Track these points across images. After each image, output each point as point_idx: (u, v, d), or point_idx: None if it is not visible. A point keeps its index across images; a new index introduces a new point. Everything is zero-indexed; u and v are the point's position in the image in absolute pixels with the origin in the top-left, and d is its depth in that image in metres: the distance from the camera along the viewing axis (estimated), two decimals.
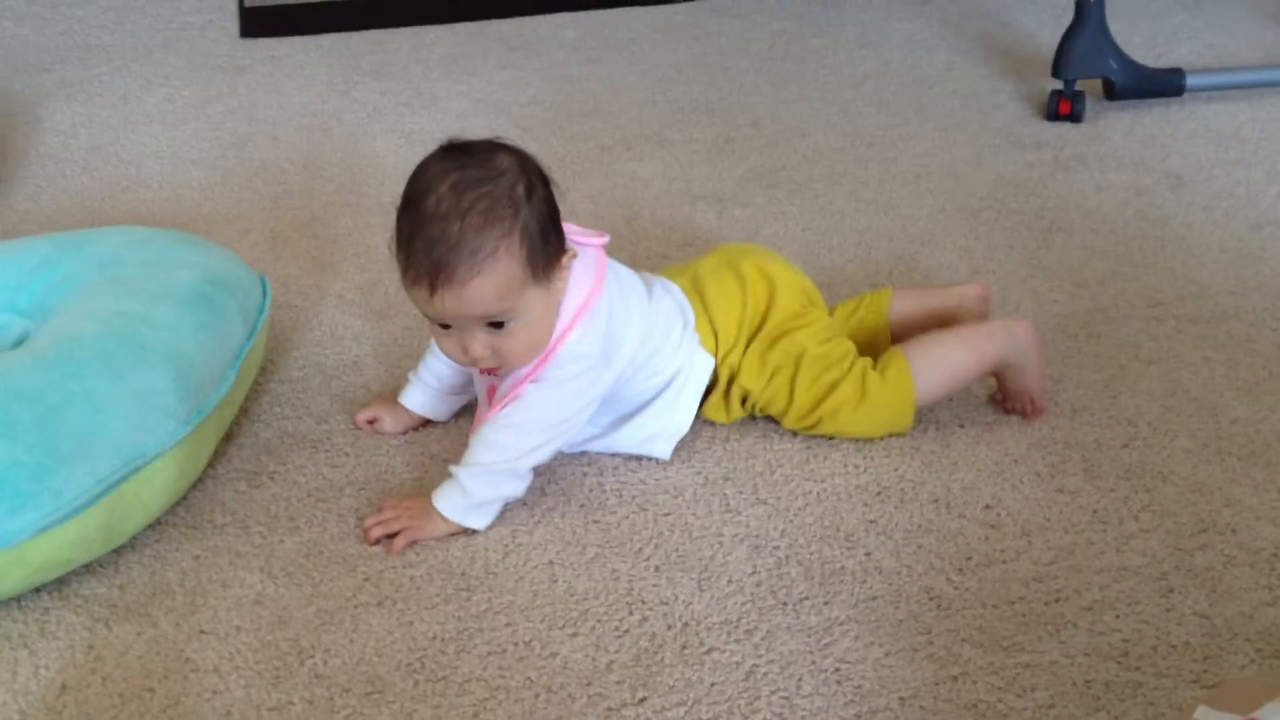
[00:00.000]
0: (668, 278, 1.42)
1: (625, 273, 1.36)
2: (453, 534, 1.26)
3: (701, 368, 1.38)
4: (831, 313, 1.48)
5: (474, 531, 1.26)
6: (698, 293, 1.40)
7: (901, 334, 1.46)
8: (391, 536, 1.25)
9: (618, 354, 1.30)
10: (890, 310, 1.47)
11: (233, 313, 1.38)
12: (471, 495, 1.25)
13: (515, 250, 1.17)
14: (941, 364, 1.37)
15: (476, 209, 1.16)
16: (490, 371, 1.31)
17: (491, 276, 1.17)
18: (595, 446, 1.37)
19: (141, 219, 1.88)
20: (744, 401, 1.39)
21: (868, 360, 1.38)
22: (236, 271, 1.44)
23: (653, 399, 1.36)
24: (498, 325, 1.21)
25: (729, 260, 1.43)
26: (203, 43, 2.59)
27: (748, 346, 1.39)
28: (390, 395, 1.43)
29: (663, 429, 1.35)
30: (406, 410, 1.41)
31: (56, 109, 2.28)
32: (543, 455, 1.27)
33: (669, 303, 1.38)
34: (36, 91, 2.36)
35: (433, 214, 1.17)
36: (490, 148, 1.22)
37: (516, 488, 1.27)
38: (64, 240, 1.45)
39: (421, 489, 1.30)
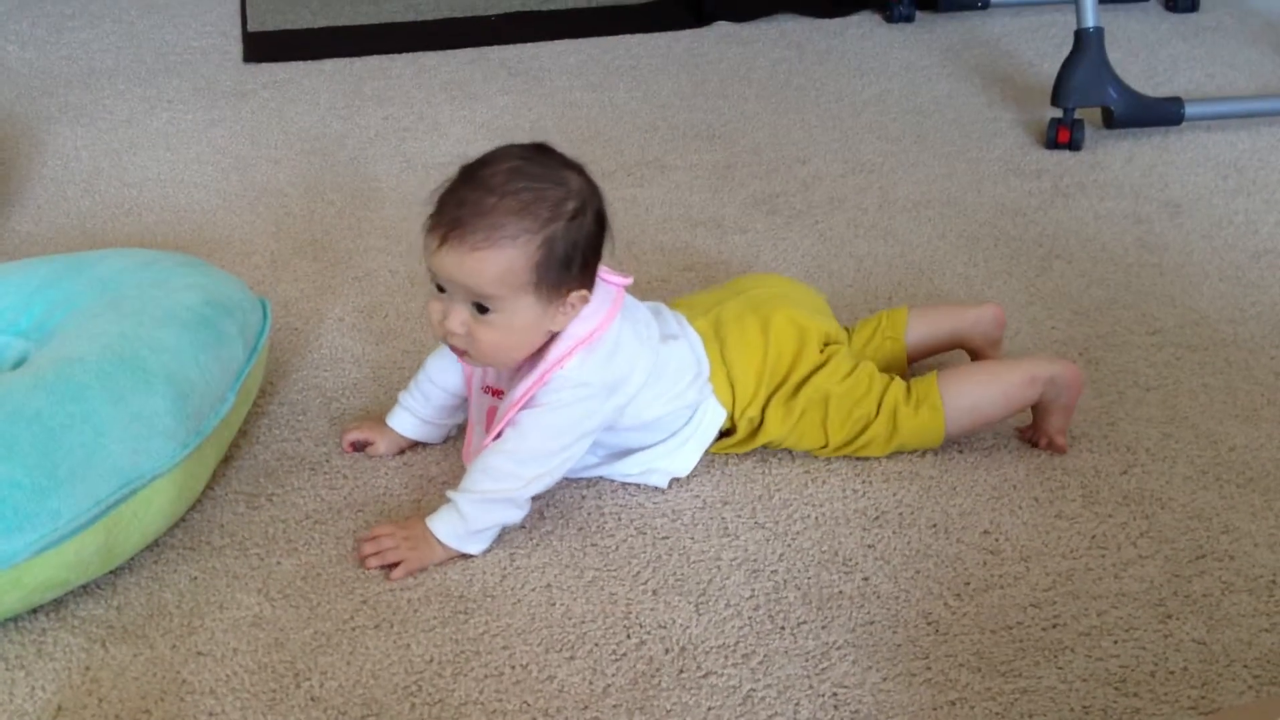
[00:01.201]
0: (688, 313, 1.40)
1: (643, 314, 1.34)
2: (450, 559, 1.26)
3: (711, 421, 1.36)
4: (849, 334, 1.48)
5: (470, 556, 1.26)
6: (718, 340, 1.37)
7: (917, 356, 1.49)
8: (389, 566, 1.25)
9: (621, 388, 1.29)
10: (907, 334, 1.48)
11: (233, 335, 1.38)
12: (470, 522, 1.24)
13: (530, 249, 1.19)
14: (976, 410, 1.37)
15: (520, 196, 1.19)
16: (495, 392, 1.31)
17: (497, 257, 1.18)
18: (592, 474, 1.36)
19: (143, 241, 1.89)
20: (765, 443, 1.39)
21: (898, 389, 1.37)
22: (237, 294, 1.44)
23: (655, 444, 1.35)
24: (483, 309, 1.22)
25: (755, 305, 1.39)
26: (206, 67, 2.61)
27: (769, 399, 1.36)
28: (379, 418, 1.43)
29: (662, 468, 1.35)
30: (396, 433, 1.41)
31: (60, 132, 2.29)
32: (542, 485, 1.27)
33: (683, 352, 1.35)
34: (40, 115, 2.37)
35: (481, 181, 1.21)
36: (569, 165, 1.24)
37: (515, 515, 1.27)
38: (65, 262, 1.46)
39: (420, 510, 1.30)
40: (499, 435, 1.26)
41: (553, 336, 1.26)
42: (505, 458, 1.25)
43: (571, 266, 1.22)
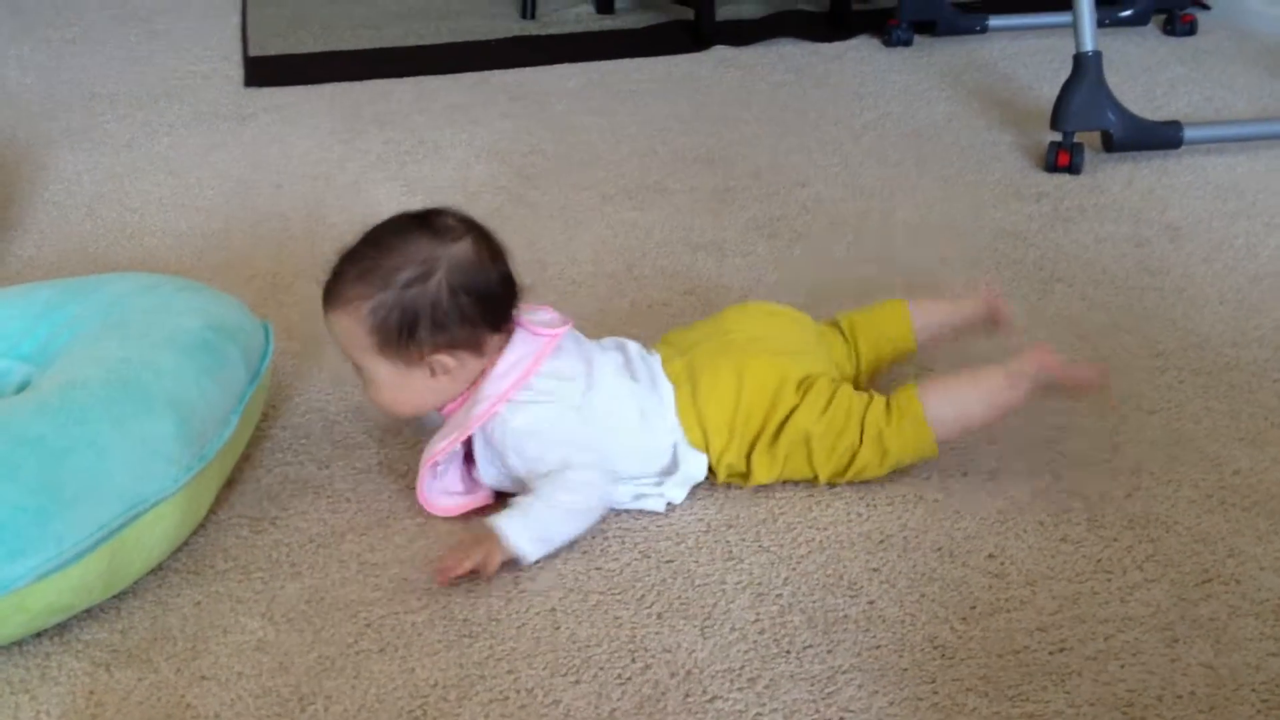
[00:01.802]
0: (666, 353, 1.40)
1: (595, 365, 1.36)
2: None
3: (693, 464, 1.36)
4: (845, 333, 1.49)
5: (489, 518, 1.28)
6: (690, 383, 1.36)
7: (930, 343, 1.53)
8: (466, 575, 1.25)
9: (578, 392, 1.32)
10: (915, 329, 1.50)
11: (236, 359, 1.38)
12: (544, 535, 1.27)
13: (360, 317, 1.28)
14: (962, 417, 1.37)
15: (361, 264, 1.30)
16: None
17: (337, 321, 1.31)
18: None
19: (145, 265, 1.89)
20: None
21: (877, 411, 1.35)
22: (240, 318, 1.44)
23: (640, 476, 1.36)
24: (357, 367, 1.33)
25: (731, 349, 1.38)
26: (207, 91, 2.61)
27: (752, 448, 1.35)
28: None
29: (655, 493, 1.35)
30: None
31: (61, 156, 2.30)
32: (594, 484, 1.29)
33: (638, 393, 1.36)
34: (41, 139, 2.38)
35: (348, 250, 1.33)
36: (433, 231, 1.30)
37: (583, 525, 1.30)
38: (68, 286, 1.46)
39: (424, 532, 1.30)
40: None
41: (471, 391, 1.32)
42: (548, 493, 1.28)
43: (415, 332, 1.28)
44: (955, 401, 1.37)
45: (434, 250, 1.29)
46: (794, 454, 1.35)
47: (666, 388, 1.36)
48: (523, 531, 1.25)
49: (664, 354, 1.40)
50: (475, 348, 1.31)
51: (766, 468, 1.35)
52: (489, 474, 1.33)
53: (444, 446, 1.31)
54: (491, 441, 1.31)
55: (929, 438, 1.35)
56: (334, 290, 1.31)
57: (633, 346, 1.41)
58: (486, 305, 1.30)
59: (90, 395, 1.23)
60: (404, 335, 1.28)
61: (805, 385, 1.36)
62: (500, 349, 1.32)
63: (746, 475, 1.37)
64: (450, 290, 1.28)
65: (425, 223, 1.31)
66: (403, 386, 1.32)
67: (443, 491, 1.34)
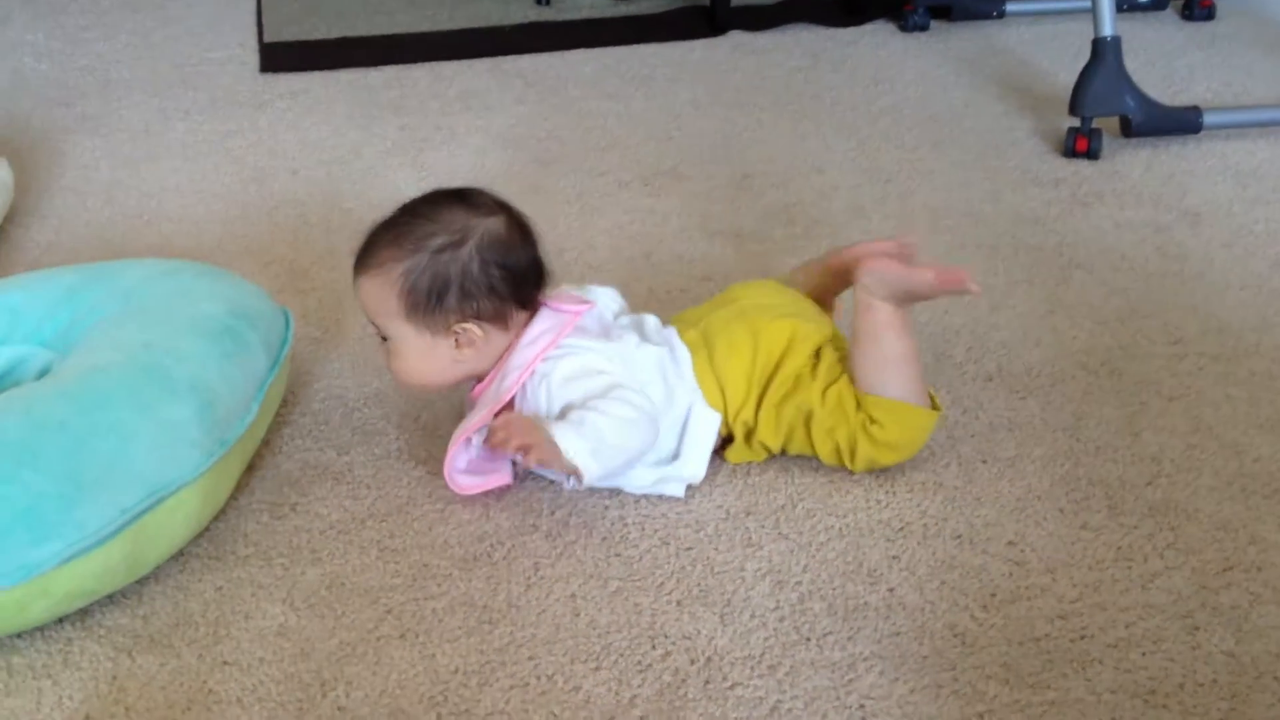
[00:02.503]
0: (679, 327, 1.41)
1: (607, 328, 1.39)
2: (561, 469, 1.26)
3: (704, 423, 1.36)
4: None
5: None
6: (707, 348, 1.38)
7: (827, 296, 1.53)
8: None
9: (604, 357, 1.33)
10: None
11: (256, 345, 1.38)
12: (594, 440, 1.25)
13: (392, 280, 1.30)
14: (901, 375, 1.34)
15: (396, 229, 1.32)
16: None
17: (369, 285, 1.32)
18: (606, 483, 1.36)
19: (162, 251, 1.89)
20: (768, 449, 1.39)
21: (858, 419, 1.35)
22: (260, 304, 1.44)
23: (659, 464, 1.36)
24: (384, 336, 1.35)
25: (744, 313, 1.40)
26: (223, 78, 2.61)
27: (760, 400, 1.36)
28: None
29: (673, 475, 1.35)
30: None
31: (78, 143, 2.30)
32: (634, 396, 1.29)
33: (660, 355, 1.36)
34: (58, 126, 2.38)
35: (385, 219, 1.34)
36: (468, 204, 1.33)
37: (637, 439, 1.28)
38: (88, 272, 1.46)
39: (444, 518, 1.30)
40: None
41: (499, 367, 1.33)
42: (598, 405, 1.27)
43: (444, 299, 1.29)
44: (875, 367, 1.34)
45: (468, 220, 1.31)
46: (796, 428, 1.36)
47: (683, 350, 1.38)
48: (578, 441, 1.24)
49: (678, 328, 1.41)
50: (501, 322, 1.32)
51: (771, 428, 1.36)
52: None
53: (478, 420, 1.31)
54: (535, 401, 1.31)
55: (905, 411, 1.33)
56: (366, 254, 1.32)
57: (650, 320, 1.42)
58: (515, 281, 1.32)
59: (112, 380, 1.23)
60: (433, 300, 1.29)
61: (817, 354, 1.38)
62: (524, 325, 1.34)
63: (751, 434, 1.37)
64: (481, 260, 1.30)
65: (461, 196, 1.34)
66: (426, 355, 1.33)
67: (464, 470, 1.34)
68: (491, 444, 1.28)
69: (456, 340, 1.32)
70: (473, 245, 1.30)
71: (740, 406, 1.37)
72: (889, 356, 1.35)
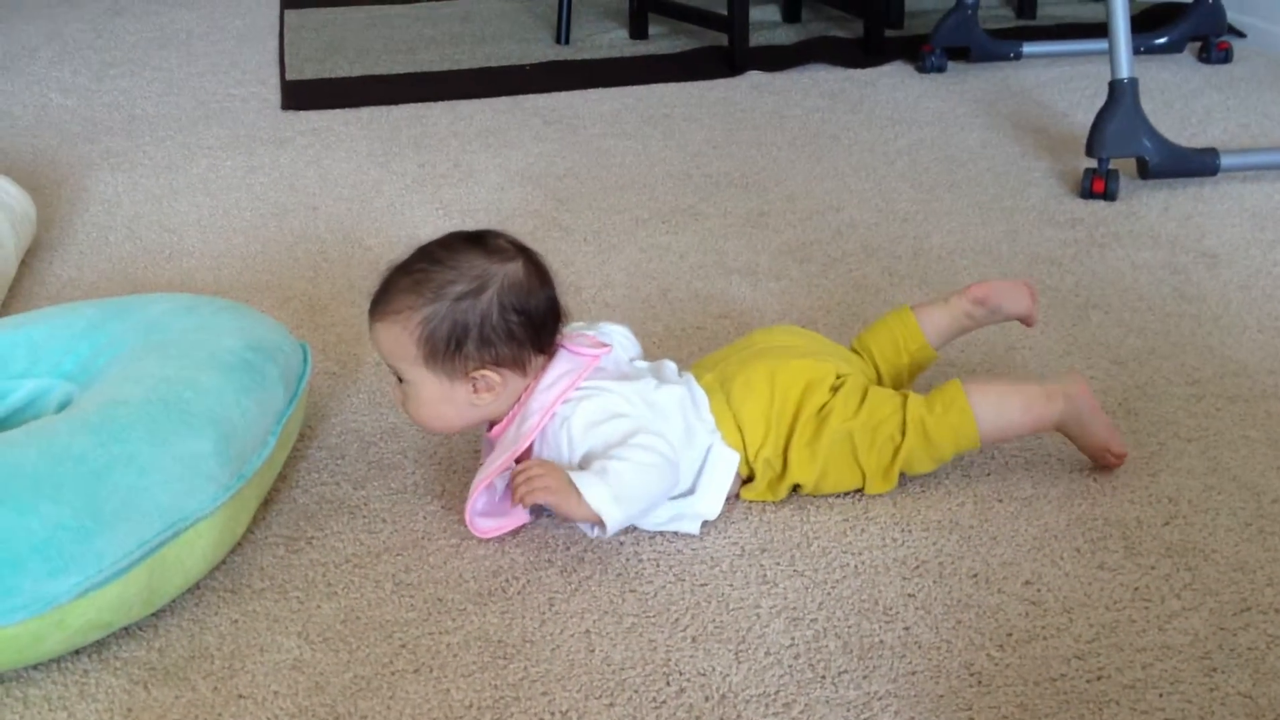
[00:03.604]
0: (696, 372, 1.42)
1: (626, 371, 1.39)
2: (588, 520, 1.27)
3: (723, 463, 1.36)
4: (860, 352, 1.51)
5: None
6: (724, 391, 1.38)
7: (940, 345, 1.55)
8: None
9: (623, 398, 1.33)
10: (926, 335, 1.52)
11: (274, 379, 1.39)
12: (616, 489, 1.26)
13: (410, 327, 1.29)
14: (1001, 415, 1.38)
15: (414, 276, 1.31)
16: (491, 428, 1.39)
17: (386, 330, 1.31)
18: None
19: (184, 286, 1.90)
20: (796, 487, 1.39)
21: (917, 402, 1.37)
22: (278, 339, 1.45)
23: (677, 497, 1.35)
24: (400, 379, 1.34)
25: (762, 355, 1.42)
26: (245, 115, 2.64)
27: (788, 442, 1.36)
28: None
29: (689, 512, 1.35)
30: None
31: (101, 178, 2.32)
32: (653, 439, 1.29)
33: (680, 393, 1.37)
34: (82, 161, 2.41)
35: (401, 263, 1.34)
36: (486, 250, 1.32)
37: (658, 485, 1.29)
38: (109, 306, 1.47)
39: (459, 554, 1.31)
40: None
41: (517, 410, 1.34)
42: (619, 453, 1.28)
43: (463, 346, 1.29)
44: (997, 399, 1.38)
45: (488, 267, 1.31)
46: (837, 451, 1.36)
47: (701, 394, 1.38)
48: (602, 489, 1.25)
49: (695, 374, 1.42)
50: (519, 367, 1.32)
51: (806, 463, 1.36)
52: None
53: (499, 466, 1.32)
54: (556, 444, 1.32)
55: (972, 425, 1.36)
56: (384, 300, 1.31)
57: (669, 365, 1.43)
58: (534, 326, 1.32)
59: (131, 414, 1.24)
60: (451, 348, 1.29)
61: (837, 384, 1.38)
62: (543, 369, 1.34)
63: (783, 473, 1.37)
64: (501, 307, 1.30)
65: (479, 241, 1.33)
66: (444, 401, 1.33)
67: (482, 513, 1.35)
68: (514, 498, 1.27)
69: (474, 386, 1.32)
70: (493, 292, 1.30)
71: (760, 445, 1.37)
72: (1008, 405, 1.39)
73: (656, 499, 1.31)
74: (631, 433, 1.29)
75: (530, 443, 1.32)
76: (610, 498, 1.25)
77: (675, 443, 1.32)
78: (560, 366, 1.34)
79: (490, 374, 1.31)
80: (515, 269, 1.32)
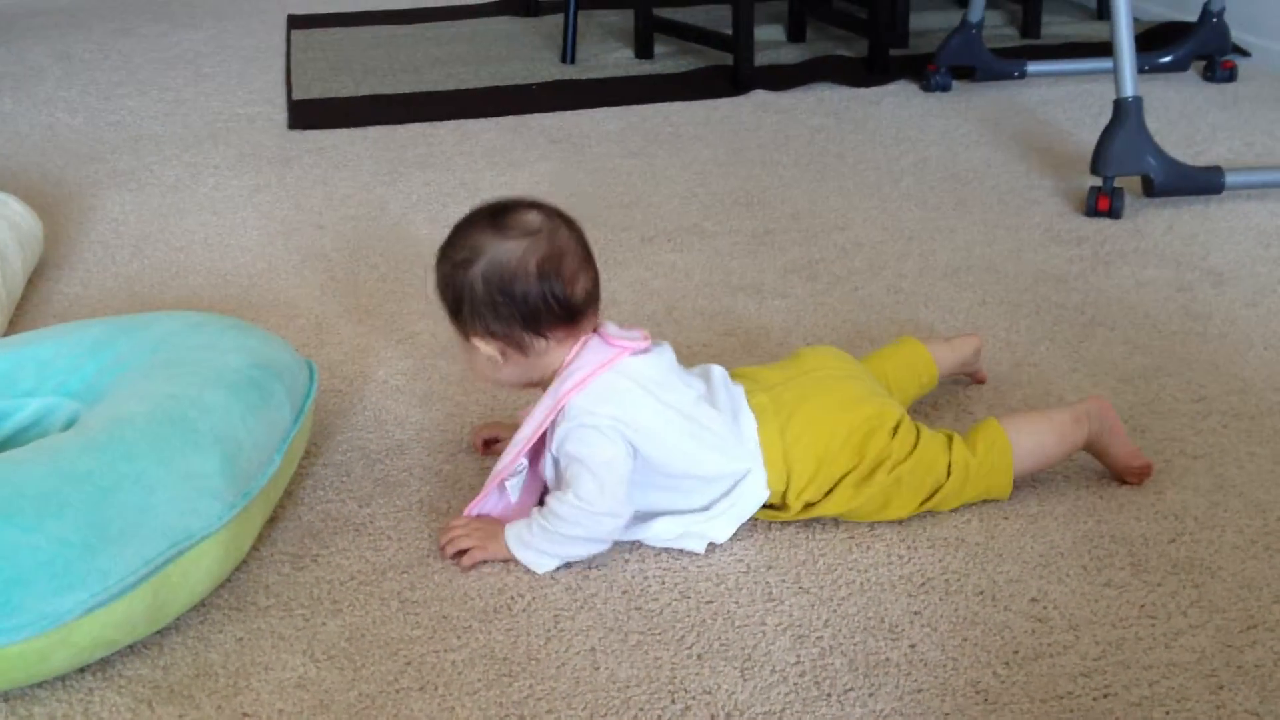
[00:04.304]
0: (749, 386, 1.39)
1: (662, 377, 1.35)
2: (514, 561, 1.33)
3: (751, 497, 1.35)
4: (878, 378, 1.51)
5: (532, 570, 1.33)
6: (779, 417, 1.36)
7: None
8: (462, 553, 1.33)
9: (631, 426, 1.30)
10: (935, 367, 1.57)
11: (280, 397, 1.39)
12: (536, 540, 1.31)
13: (437, 282, 1.36)
14: (1038, 449, 1.41)
15: (448, 237, 1.36)
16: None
17: (436, 281, 1.36)
18: (627, 536, 1.36)
19: (190, 304, 1.91)
20: (809, 505, 1.38)
21: (961, 446, 1.38)
22: (284, 357, 1.45)
23: (689, 511, 1.35)
24: None
25: (820, 384, 1.40)
26: (252, 134, 2.65)
27: (837, 484, 1.35)
28: (509, 420, 1.53)
29: (697, 533, 1.35)
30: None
31: (108, 197, 2.33)
32: (611, 520, 1.30)
33: (720, 424, 1.35)
34: (88, 180, 2.42)
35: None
36: (496, 226, 1.32)
37: (587, 550, 1.32)
38: (116, 324, 1.47)
39: (465, 572, 1.30)
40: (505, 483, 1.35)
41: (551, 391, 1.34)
42: (573, 506, 1.29)
43: (460, 312, 1.33)
44: (1034, 435, 1.41)
45: (484, 242, 1.31)
46: (879, 491, 1.36)
47: (748, 418, 1.36)
48: (515, 539, 1.32)
49: (746, 386, 1.39)
50: (517, 345, 1.33)
51: (848, 500, 1.35)
52: (550, 477, 1.36)
53: (509, 462, 1.34)
54: (552, 440, 1.33)
55: (1009, 475, 1.39)
56: (437, 255, 1.37)
57: (717, 373, 1.41)
58: (522, 311, 1.30)
59: (137, 432, 1.24)
60: (455, 311, 1.34)
61: (894, 428, 1.38)
62: (574, 356, 1.33)
63: (818, 504, 1.37)
64: (485, 284, 1.31)
65: (495, 215, 1.33)
66: (467, 355, 1.38)
67: (498, 516, 1.36)
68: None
69: (478, 347, 1.34)
70: (479, 269, 1.30)
71: (805, 486, 1.35)
72: (1044, 439, 1.41)
73: (580, 556, 1.33)
74: (582, 477, 1.29)
75: (542, 433, 1.33)
76: (522, 545, 1.32)
77: (680, 453, 1.32)
78: (588, 357, 1.33)
79: (484, 345, 1.33)
80: (510, 249, 1.30)
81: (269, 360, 1.42)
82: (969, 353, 1.62)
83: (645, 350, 1.35)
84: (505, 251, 1.30)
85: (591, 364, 1.31)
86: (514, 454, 1.33)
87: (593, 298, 1.34)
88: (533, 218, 1.32)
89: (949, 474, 1.37)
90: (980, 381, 1.66)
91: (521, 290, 1.30)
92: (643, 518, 1.35)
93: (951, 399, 1.63)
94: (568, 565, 1.33)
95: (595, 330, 1.35)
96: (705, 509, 1.35)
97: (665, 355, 1.37)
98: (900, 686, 1.18)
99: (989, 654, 1.21)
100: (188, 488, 1.23)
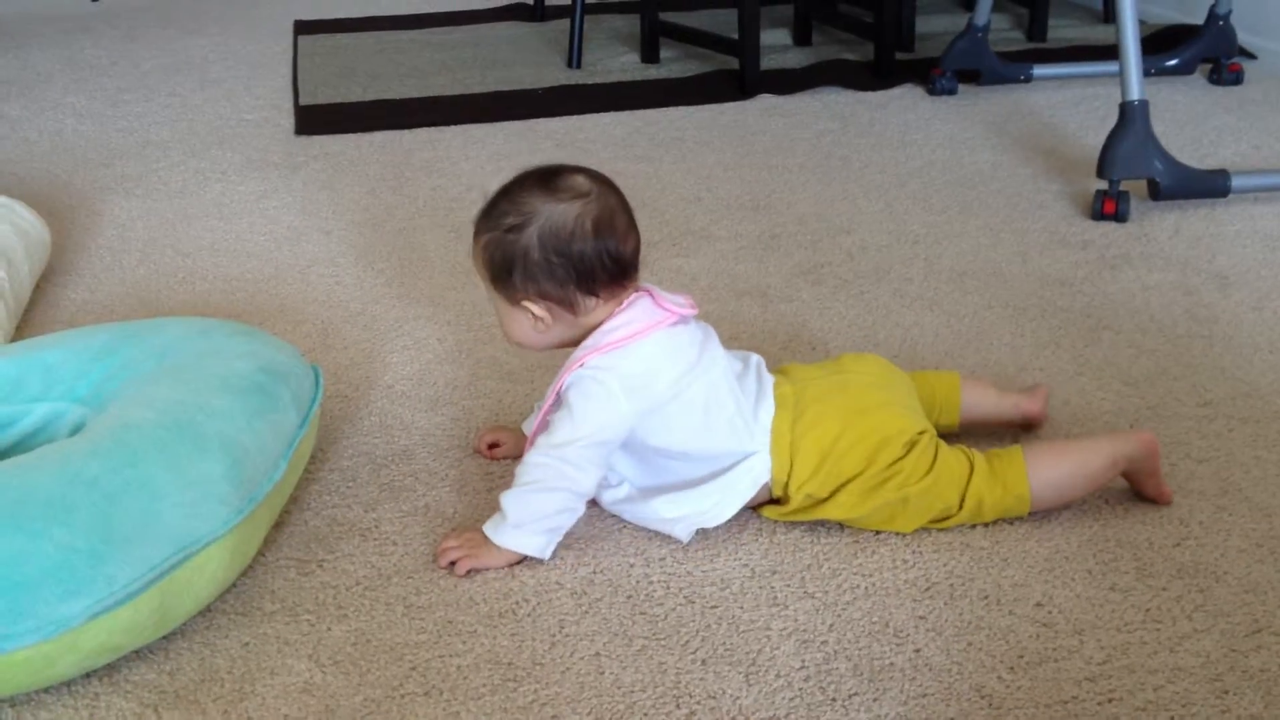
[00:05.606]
0: (778, 377, 1.41)
1: (695, 351, 1.36)
2: (513, 563, 1.34)
3: (750, 476, 1.36)
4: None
5: (534, 561, 1.33)
6: (796, 409, 1.37)
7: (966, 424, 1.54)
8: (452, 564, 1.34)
9: (641, 391, 1.32)
10: (960, 409, 1.52)
11: (286, 402, 1.39)
12: (508, 515, 1.32)
13: (478, 249, 1.37)
14: (1060, 493, 1.39)
15: (489, 204, 1.38)
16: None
17: (474, 252, 1.38)
18: (626, 510, 1.38)
19: (197, 310, 1.91)
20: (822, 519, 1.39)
21: (981, 476, 1.37)
22: (290, 362, 1.46)
23: (687, 486, 1.36)
24: None
25: (844, 386, 1.41)
26: (259, 139, 2.65)
27: (844, 483, 1.35)
28: (514, 425, 1.55)
29: (691, 513, 1.36)
30: (525, 436, 1.47)
31: (115, 202, 2.34)
32: (572, 467, 1.31)
33: (735, 401, 1.37)
34: (96, 185, 2.42)
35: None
36: (547, 188, 1.34)
37: (551, 504, 1.32)
38: (123, 330, 1.48)
39: (470, 576, 1.31)
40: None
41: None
42: (535, 451, 1.32)
43: (511, 275, 1.34)
44: (1059, 479, 1.38)
45: (538, 205, 1.33)
46: (886, 504, 1.35)
47: (769, 405, 1.38)
48: (490, 526, 1.33)
49: (777, 379, 1.41)
50: (568, 305, 1.35)
51: (854, 506, 1.35)
52: None
53: (539, 418, 1.38)
54: (569, 383, 1.34)
55: (1025, 507, 1.38)
56: (476, 223, 1.38)
57: (755, 360, 1.43)
58: (577, 270, 1.33)
59: (143, 437, 1.25)
60: (503, 275, 1.35)
61: (910, 443, 1.37)
62: (614, 312, 1.35)
63: (822, 505, 1.37)
64: (540, 245, 1.32)
65: (547, 178, 1.35)
66: (510, 320, 1.39)
67: None
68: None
69: (524, 312, 1.36)
70: (534, 230, 1.32)
71: (805, 480, 1.36)
72: (1072, 485, 1.39)
73: (560, 515, 1.34)
74: (568, 414, 1.32)
75: (555, 395, 1.35)
76: (511, 526, 1.32)
77: (674, 443, 1.34)
78: (634, 314, 1.34)
79: (535, 306, 1.35)
80: (565, 211, 1.32)
81: (275, 365, 1.42)
82: (1033, 408, 1.55)
83: (687, 319, 1.38)
84: (560, 213, 1.33)
85: (638, 321, 1.33)
86: (542, 412, 1.37)
87: (638, 255, 1.38)
88: (582, 180, 1.35)
89: (961, 506, 1.36)
90: (1034, 426, 1.57)
91: (579, 249, 1.32)
92: (644, 494, 1.37)
93: None
94: (573, 569, 1.33)
95: (641, 289, 1.37)
96: (705, 482, 1.36)
97: (707, 329, 1.40)
98: (905, 691, 1.18)
99: (994, 658, 1.21)
100: (194, 493, 1.23)
